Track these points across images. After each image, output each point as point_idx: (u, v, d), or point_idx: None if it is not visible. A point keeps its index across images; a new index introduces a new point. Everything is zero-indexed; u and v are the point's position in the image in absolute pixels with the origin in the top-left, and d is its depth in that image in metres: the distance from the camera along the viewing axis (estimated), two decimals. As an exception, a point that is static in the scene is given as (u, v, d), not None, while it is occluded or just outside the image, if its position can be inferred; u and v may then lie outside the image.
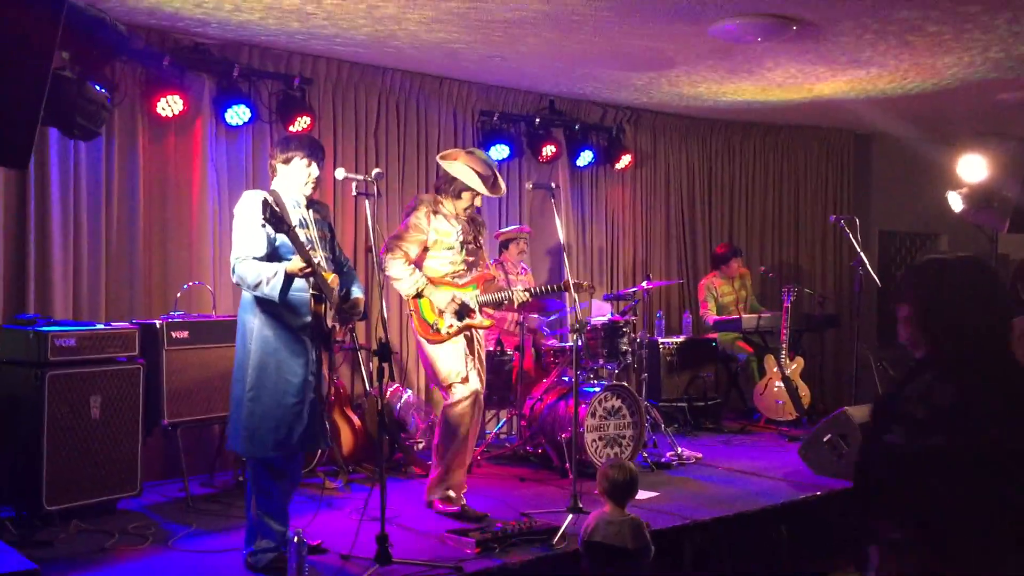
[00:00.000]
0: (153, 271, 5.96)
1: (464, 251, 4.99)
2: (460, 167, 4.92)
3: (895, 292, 2.51)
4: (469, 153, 5.05)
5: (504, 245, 6.96)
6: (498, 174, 5.03)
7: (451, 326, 4.86)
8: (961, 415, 2.19)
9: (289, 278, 3.89)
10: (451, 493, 4.96)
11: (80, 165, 5.57)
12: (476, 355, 5.06)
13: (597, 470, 4.45)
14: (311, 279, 3.97)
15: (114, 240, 5.76)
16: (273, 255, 4.02)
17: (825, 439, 6.01)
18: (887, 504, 2.27)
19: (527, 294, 5.14)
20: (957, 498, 2.16)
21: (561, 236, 5.28)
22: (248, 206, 4.05)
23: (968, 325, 2.28)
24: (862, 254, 7.19)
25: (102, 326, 5.02)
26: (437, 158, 5.11)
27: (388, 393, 6.04)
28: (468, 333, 4.98)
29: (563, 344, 6.60)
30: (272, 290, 3.88)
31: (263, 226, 3.87)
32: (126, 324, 5.17)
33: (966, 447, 2.17)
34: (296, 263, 3.88)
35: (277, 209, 3.81)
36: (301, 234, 4.00)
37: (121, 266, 5.80)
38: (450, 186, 4.95)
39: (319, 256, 4.10)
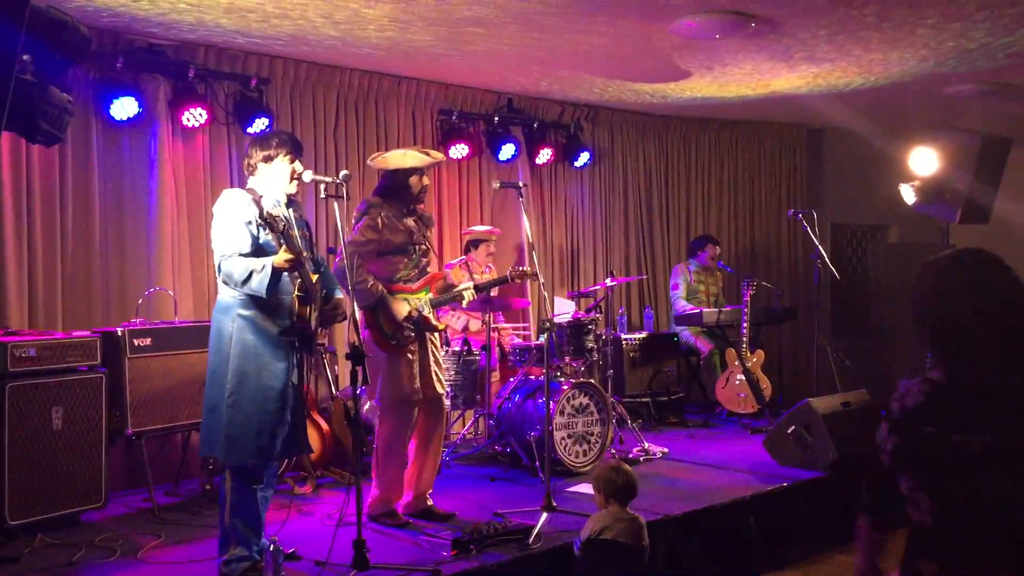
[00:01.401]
0: (111, 277, 5.83)
1: (416, 253, 4.95)
2: (393, 157, 4.91)
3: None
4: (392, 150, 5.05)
5: (474, 245, 6.89)
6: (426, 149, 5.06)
7: (406, 335, 4.82)
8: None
9: (277, 272, 3.81)
10: (396, 508, 4.90)
11: (33, 170, 5.44)
12: (434, 360, 4.99)
13: (594, 475, 4.44)
14: (298, 279, 3.92)
15: (70, 246, 5.63)
16: (257, 252, 3.93)
17: (789, 431, 6.07)
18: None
19: (473, 291, 5.13)
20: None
21: (528, 234, 5.28)
22: (230, 204, 3.96)
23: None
24: (820, 247, 7.29)
25: (62, 335, 4.90)
26: (369, 162, 5.09)
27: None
28: (424, 342, 4.95)
29: (528, 343, 6.58)
30: (260, 285, 3.80)
31: (259, 225, 3.84)
32: (87, 332, 5.05)
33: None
34: (282, 256, 3.80)
35: (269, 211, 3.78)
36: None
37: (78, 273, 5.67)
38: (393, 181, 4.88)
39: (304, 256, 4.04)
